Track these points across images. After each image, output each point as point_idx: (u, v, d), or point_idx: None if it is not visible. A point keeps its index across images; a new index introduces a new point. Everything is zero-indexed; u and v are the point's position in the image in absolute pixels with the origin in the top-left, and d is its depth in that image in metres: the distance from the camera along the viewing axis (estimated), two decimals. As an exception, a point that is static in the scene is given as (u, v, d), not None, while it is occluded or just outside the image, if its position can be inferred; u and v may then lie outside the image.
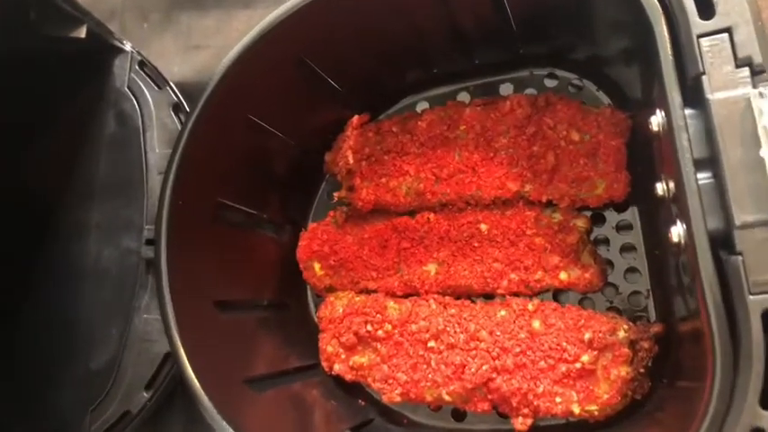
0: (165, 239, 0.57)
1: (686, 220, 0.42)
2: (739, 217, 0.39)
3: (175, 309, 0.55)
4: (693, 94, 0.42)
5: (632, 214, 0.64)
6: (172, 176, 0.57)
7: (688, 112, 0.42)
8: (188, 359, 0.53)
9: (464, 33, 0.64)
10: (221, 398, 0.53)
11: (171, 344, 0.54)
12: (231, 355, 0.60)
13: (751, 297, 0.39)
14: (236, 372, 0.59)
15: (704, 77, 0.41)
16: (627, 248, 0.64)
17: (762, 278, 0.38)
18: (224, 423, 0.51)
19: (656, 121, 0.45)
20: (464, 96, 0.72)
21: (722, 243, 0.41)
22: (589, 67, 0.66)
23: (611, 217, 0.65)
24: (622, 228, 0.65)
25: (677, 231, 0.44)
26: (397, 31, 0.63)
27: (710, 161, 0.41)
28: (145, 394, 0.67)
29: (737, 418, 0.38)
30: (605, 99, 0.66)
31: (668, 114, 0.43)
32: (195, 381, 0.52)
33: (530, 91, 0.68)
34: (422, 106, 0.73)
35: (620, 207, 0.65)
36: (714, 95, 0.41)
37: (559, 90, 0.67)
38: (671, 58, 0.43)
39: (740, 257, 0.39)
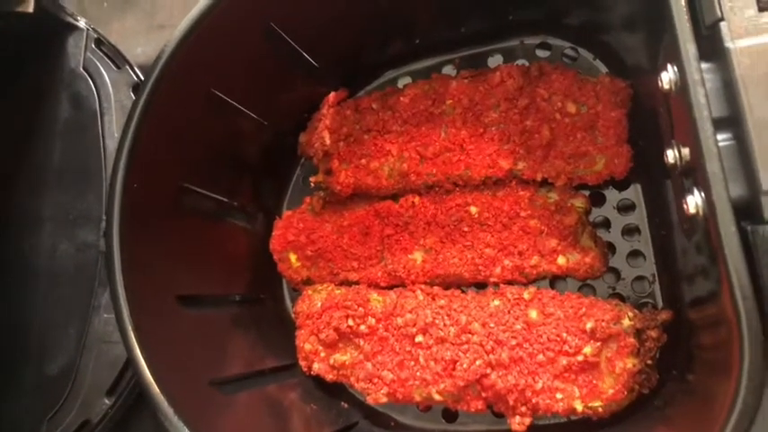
0: (117, 227, 0.53)
1: (705, 189, 0.39)
2: (767, 181, 0.36)
3: (130, 304, 0.51)
4: (710, 46, 0.39)
5: (635, 192, 0.63)
6: (124, 156, 0.53)
7: (704, 66, 0.39)
8: (146, 360, 0.50)
9: None
10: (186, 403, 0.49)
11: (125, 342, 0.50)
12: (198, 356, 0.57)
13: None
14: (204, 373, 0.55)
15: (723, 24, 0.39)
16: (629, 230, 0.63)
17: None
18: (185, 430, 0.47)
19: (668, 77, 0.42)
20: (449, 70, 0.70)
21: (746, 213, 0.38)
22: (585, 33, 0.64)
23: (612, 196, 0.64)
24: (624, 207, 0.64)
25: (694, 202, 0.40)
26: None
27: (731, 120, 0.38)
28: (106, 401, 0.65)
29: None
30: (603, 68, 0.65)
31: (682, 69, 0.40)
32: (154, 385, 0.49)
33: (521, 62, 0.67)
34: (404, 81, 0.72)
35: (622, 185, 0.63)
36: (735, 44, 0.38)
37: (552, 61, 0.65)
38: (684, 3, 0.40)
39: None
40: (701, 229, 0.42)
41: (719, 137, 0.38)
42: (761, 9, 0.38)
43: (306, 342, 0.63)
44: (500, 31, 0.67)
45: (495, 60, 0.68)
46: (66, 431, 0.65)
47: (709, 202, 0.38)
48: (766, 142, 0.36)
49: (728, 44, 0.38)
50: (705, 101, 0.38)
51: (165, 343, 0.53)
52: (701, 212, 0.40)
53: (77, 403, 0.65)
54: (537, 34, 0.66)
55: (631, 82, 0.59)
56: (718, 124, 0.38)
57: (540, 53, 0.67)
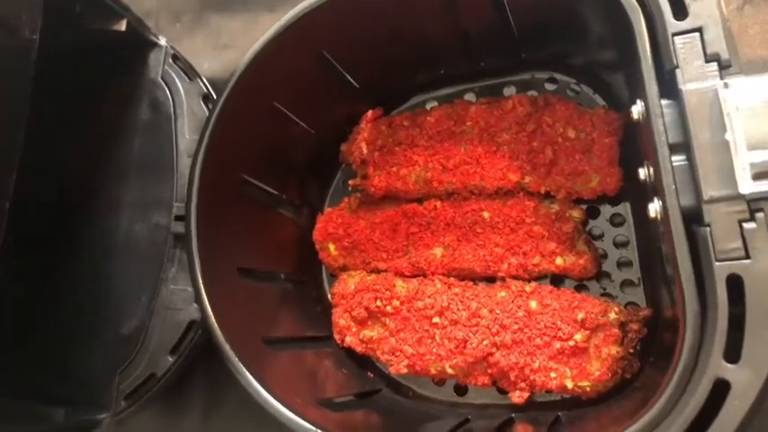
0: (194, 210, 0.61)
1: (662, 198, 0.46)
2: (707, 192, 0.43)
3: (203, 272, 0.60)
4: (669, 87, 0.46)
5: (625, 209, 0.68)
6: (202, 152, 0.62)
7: (664, 102, 0.46)
8: (215, 317, 0.58)
9: (470, 38, 0.68)
10: (243, 352, 0.57)
11: (199, 302, 0.58)
12: (252, 317, 0.64)
13: (717, 264, 0.43)
14: (256, 331, 0.62)
15: (678, 71, 0.45)
16: (620, 240, 0.68)
17: (726, 246, 0.43)
18: (245, 371, 0.55)
19: (637, 110, 0.49)
20: (470, 97, 0.75)
21: (693, 218, 0.44)
22: (586, 72, 0.70)
23: (606, 210, 0.69)
24: (616, 221, 0.68)
25: (654, 208, 0.48)
26: (408, 34, 0.67)
27: (684, 146, 0.45)
28: (170, 358, 0.70)
29: (704, 370, 0.42)
30: (600, 101, 0.69)
31: (647, 103, 0.47)
32: (220, 334, 0.57)
33: (531, 93, 0.71)
34: (431, 104, 0.76)
35: (614, 201, 0.68)
36: (686, 86, 0.45)
37: (559, 93, 0.71)
38: (649, 53, 0.47)
39: (708, 229, 0.43)
40: (662, 239, 0.49)
41: (674, 158, 0.45)
42: (707, 61, 0.45)
43: (340, 318, 0.69)
44: (514, 66, 0.72)
45: (509, 90, 0.73)
46: (134, 382, 0.70)
47: (664, 207, 0.45)
48: (707, 163, 0.43)
49: (682, 86, 0.44)
50: (663, 129, 0.45)
51: (228, 304, 0.60)
52: (659, 216, 0.47)
53: (145, 359, 0.70)
54: (546, 70, 0.71)
55: (623, 114, 0.63)
56: (674, 148, 0.45)
57: (549, 86, 0.71)
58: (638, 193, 0.63)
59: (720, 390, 0.42)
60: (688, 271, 0.44)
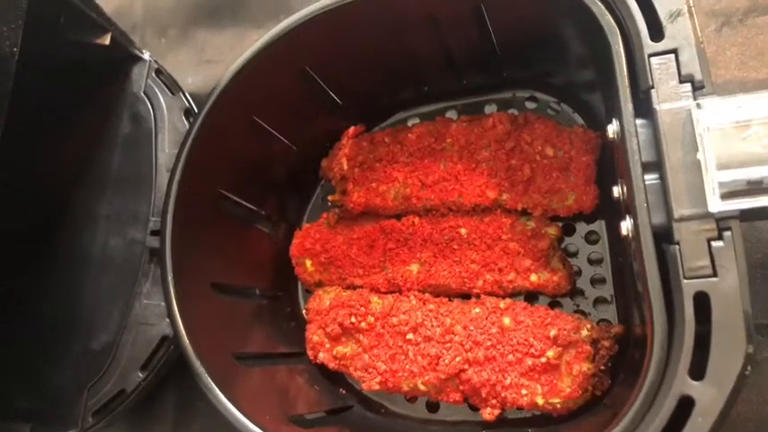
0: (170, 223, 0.61)
1: (634, 216, 0.47)
2: (678, 211, 0.44)
3: (176, 286, 0.60)
4: (644, 107, 0.47)
5: (600, 226, 0.69)
6: (181, 165, 0.62)
7: (639, 121, 0.47)
8: (186, 331, 0.58)
9: (453, 57, 0.69)
10: (214, 368, 0.57)
11: (170, 316, 0.58)
12: (224, 333, 0.64)
13: (685, 281, 0.43)
14: (229, 347, 0.62)
15: (653, 91, 0.46)
16: (594, 258, 0.68)
17: (694, 264, 0.43)
18: (215, 388, 0.55)
19: (612, 129, 0.50)
20: (452, 114, 0.76)
21: (664, 236, 0.45)
22: (566, 91, 0.71)
23: (581, 228, 0.69)
24: (591, 239, 0.69)
25: (626, 225, 0.49)
26: (392, 52, 0.68)
27: (656, 165, 0.46)
28: (140, 374, 0.70)
29: (669, 386, 0.43)
30: (580, 120, 0.70)
31: (621, 122, 0.47)
32: (191, 350, 0.57)
33: (512, 111, 0.72)
34: (412, 121, 0.77)
35: (589, 219, 0.69)
36: (661, 106, 0.46)
37: (539, 111, 0.71)
38: (626, 73, 0.48)
39: (677, 246, 0.44)
40: (633, 251, 0.49)
41: (647, 177, 0.45)
42: (681, 81, 0.46)
43: (314, 334, 0.69)
44: (496, 84, 0.73)
45: (491, 108, 0.74)
46: (104, 398, 0.70)
47: (636, 225, 0.46)
48: (679, 182, 0.44)
49: (656, 106, 0.45)
50: (637, 148, 0.46)
51: (200, 320, 0.60)
52: (630, 234, 0.48)
53: (115, 375, 0.70)
54: (527, 89, 0.72)
55: (601, 133, 0.64)
56: (647, 167, 0.45)
57: (529, 105, 0.73)
58: (613, 211, 0.63)
59: (685, 406, 0.42)
60: (657, 288, 0.45)
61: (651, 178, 0.46)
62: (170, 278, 0.60)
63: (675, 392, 0.42)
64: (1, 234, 0.68)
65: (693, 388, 0.42)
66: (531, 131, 0.67)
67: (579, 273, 0.68)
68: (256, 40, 0.63)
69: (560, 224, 0.68)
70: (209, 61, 0.91)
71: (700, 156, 0.44)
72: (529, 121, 0.68)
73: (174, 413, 0.78)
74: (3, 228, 0.67)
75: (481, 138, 0.69)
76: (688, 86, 0.46)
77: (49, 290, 0.77)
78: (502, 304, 0.64)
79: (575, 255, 0.69)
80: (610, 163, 0.61)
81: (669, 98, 0.46)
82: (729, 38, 0.71)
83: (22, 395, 0.74)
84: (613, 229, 0.66)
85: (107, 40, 0.76)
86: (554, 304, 0.68)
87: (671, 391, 0.42)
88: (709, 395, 0.41)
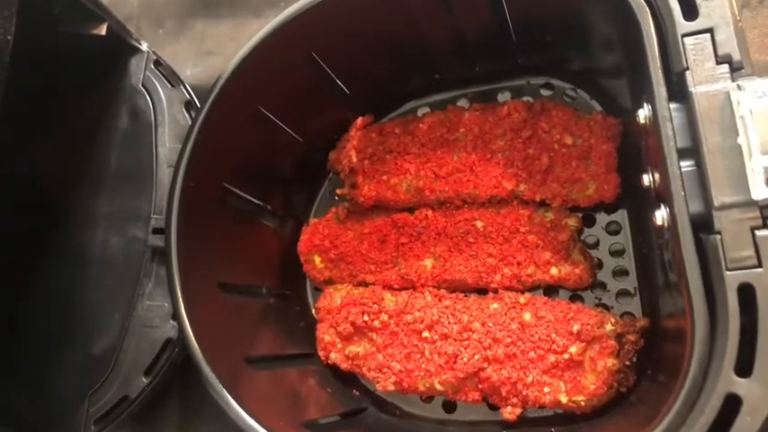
0: (175, 220, 0.59)
1: (670, 205, 0.44)
2: (718, 198, 0.42)
3: (182, 286, 0.58)
4: (678, 90, 0.45)
5: (621, 216, 0.67)
6: (185, 159, 0.60)
7: (672, 105, 0.45)
8: (193, 333, 0.56)
9: (466, 42, 0.67)
10: (223, 372, 0.55)
11: (177, 318, 0.56)
12: (232, 334, 0.62)
13: (728, 273, 0.41)
14: (236, 349, 0.61)
15: (688, 73, 0.44)
16: (616, 249, 0.67)
17: (737, 254, 0.41)
18: (225, 393, 0.53)
19: (644, 114, 0.48)
20: (463, 103, 0.74)
21: (702, 226, 0.43)
22: (583, 77, 0.69)
23: (601, 218, 0.68)
24: (612, 230, 0.67)
25: (661, 215, 0.46)
26: (403, 37, 0.66)
27: (692, 151, 0.44)
28: (144, 380, 0.67)
29: (714, 384, 0.41)
30: (598, 107, 0.69)
31: (654, 107, 0.45)
32: (200, 353, 0.55)
33: (526, 99, 0.70)
34: (423, 111, 0.76)
35: (610, 209, 0.67)
36: (697, 89, 0.43)
37: (555, 99, 0.70)
38: (657, 55, 0.46)
39: (718, 236, 0.42)
40: (667, 248, 0.48)
41: (683, 163, 0.43)
42: (718, 62, 0.43)
43: (325, 334, 0.67)
44: (509, 71, 0.71)
45: (504, 96, 0.72)
46: (106, 405, 0.67)
47: (672, 214, 0.44)
48: (718, 168, 0.42)
49: (691, 89, 0.43)
50: (672, 133, 0.44)
51: (207, 321, 0.59)
52: (666, 224, 0.46)
53: (118, 381, 0.67)
54: (542, 76, 0.71)
55: (622, 120, 0.63)
56: (682, 153, 0.44)
57: (544, 92, 0.71)
58: (636, 201, 0.62)
59: (731, 405, 0.40)
60: (697, 280, 0.43)
61: (687, 165, 0.44)
62: (176, 278, 0.58)
63: (721, 391, 0.40)
64: (-3, 233, 0.66)
65: (740, 385, 0.40)
66: (549, 119, 0.66)
67: (600, 265, 0.67)
68: (255, 29, 0.61)
69: (580, 215, 0.67)
70: (209, 52, 0.90)
71: (741, 140, 0.42)
72: (546, 109, 0.66)
73: (180, 419, 0.76)
74: (-1, 226, 0.65)
75: (496, 127, 0.67)
76: (725, 67, 0.44)
77: (46, 293, 0.75)
78: (521, 299, 0.63)
79: (595, 246, 0.67)
80: (630, 151, 0.61)
81: (705, 80, 0.44)
82: (749, 20, 0.69)
83: (20, 403, 0.72)
84: (636, 219, 0.64)
85: (103, 30, 0.73)
86: (574, 298, 0.67)
87: (716, 389, 0.40)
88: (757, 393, 0.39)
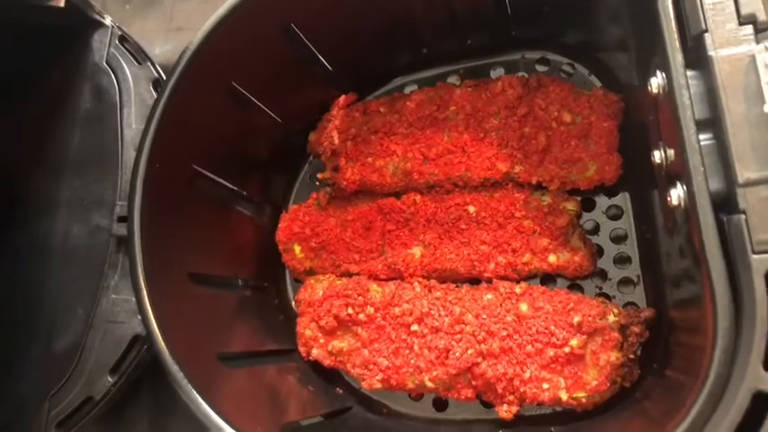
0: (139, 201, 0.56)
1: (687, 182, 0.42)
2: (742, 174, 0.39)
3: (147, 277, 0.54)
4: (695, 56, 0.42)
5: (623, 200, 0.65)
6: (150, 136, 0.56)
7: (689, 73, 0.42)
8: (160, 329, 0.52)
9: (456, 14, 0.64)
10: (194, 371, 0.52)
11: (142, 313, 0.52)
12: (205, 330, 0.59)
13: (754, 256, 0.38)
14: (209, 345, 0.58)
15: (707, 35, 0.41)
16: (617, 235, 0.65)
17: (765, 236, 0.38)
18: (196, 395, 0.50)
19: (656, 82, 0.45)
20: (454, 79, 0.72)
21: (723, 205, 0.40)
22: (582, 51, 0.67)
23: (602, 202, 0.66)
24: (612, 214, 0.65)
25: (677, 194, 0.43)
26: (388, 7, 0.63)
27: (712, 122, 0.41)
28: (109, 379, 0.65)
29: (740, 381, 0.38)
30: (597, 83, 0.67)
31: (669, 74, 0.42)
32: (167, 351, 0.51)
33: (521, 75, 0.68)
34: (411, 88, 0.74)
35: (611, 191, 0.65)
36: (717, 52, 0.41)
37: (551, 74, 0.68)
38: (672, 16, 0.43)
39: (743, 216, 0.39)
40: (682, 223, 0.44)
41: (701, 136, 0.41)
42: (741, 23, 0.40)
43: (306, 328, 0.64)
44: (503, 45, 0.69)
45: (497, 72, 0.71)
46: (68, 407, 0.65)
47: (690, 193, 0.41)
48: (742, 140, 0.39)
49: (711, 53, 0.40)
50: (689, 102, 0.41)
51: (177, 316, 0.56)
52: (682, 204, 0.42)
53: (81, 380, 0.65)
54: (537, 50, 0.69)
55: (623, 96, 0.61)
56: (700, 125, 0.41)
57: (540, 67, 0.69)
58: (640, 182, 0.60)
59: (760, 403, 0.38)
60: (719, 265, 0.40)
61: (706, 138, 0.41)
62: (140, 269, 0.55)
63: (748, 387, 0.38)
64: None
65: (770, 381, 0.37)
66: (546, 96, 0.64)
67: (600, 252, 0.65)
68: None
69: (579, 198, 0.65)
70: (179, 29, 0.86)
71: (768, 108, 0.39)
72: (542, 85, 0.64)
73: (149, 422, 0.74)
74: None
75: (489, 104, 0.65)
76: (749, 28, 0.41)
77: (3, 286, 0.72)
78: (517, 289, 0.61)
79: (595, 232, 0.65)
80: (635, 128, 0.58)
81: (727, 43, 0.41)
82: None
83: (-25, 407, 0.69)
84: (639, 202, 0.62)
85: (61, 1, 0.70)
86: (574, 287, 0.65)
87: (742, 385, 0.38)
88: (790, 389, 0.37)
